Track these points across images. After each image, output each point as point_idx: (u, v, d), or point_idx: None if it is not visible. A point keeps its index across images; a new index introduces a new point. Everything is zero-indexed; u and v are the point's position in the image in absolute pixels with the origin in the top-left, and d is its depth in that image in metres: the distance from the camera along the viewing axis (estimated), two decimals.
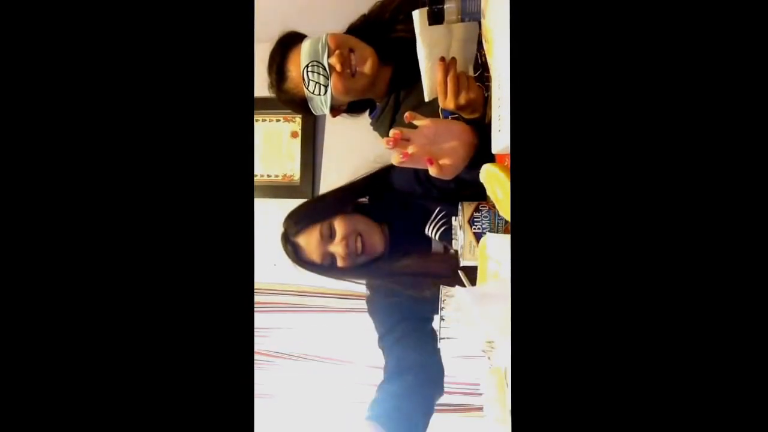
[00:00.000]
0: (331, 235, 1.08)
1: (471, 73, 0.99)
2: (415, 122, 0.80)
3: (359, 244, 1.07)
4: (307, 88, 1.09)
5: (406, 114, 0.81)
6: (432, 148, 0.77)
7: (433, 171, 0.77)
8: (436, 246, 1.10)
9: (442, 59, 0.92)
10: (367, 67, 1.09)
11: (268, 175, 2.02)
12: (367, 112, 1.26)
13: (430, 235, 1.07)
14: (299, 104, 1.14)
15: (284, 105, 1.19)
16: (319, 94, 1.09)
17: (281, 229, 1.12)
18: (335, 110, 1.18)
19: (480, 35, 0.92)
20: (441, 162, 0.76)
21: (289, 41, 1.12)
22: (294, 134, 2.01)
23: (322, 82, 1.08)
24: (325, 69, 1.07)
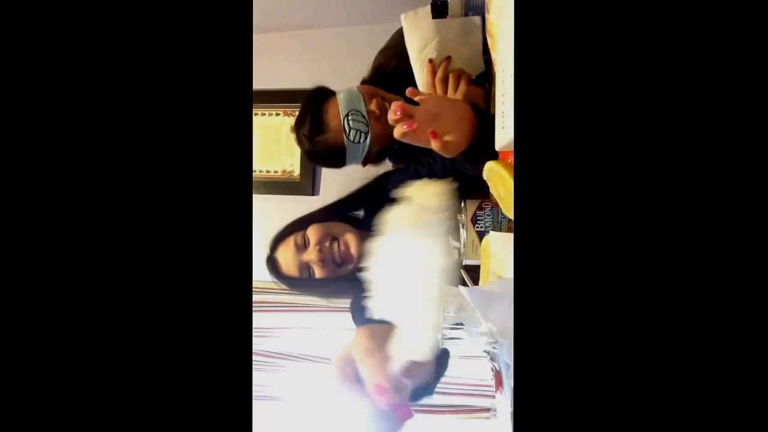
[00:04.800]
0: (305, 244, 1.05)
1: (475, 68, 0.99)
2: (417, 99, 0.79)
3: (335, 249, 1.04)
4: (348, 137, 1.11)
5: (408, 89, 0.81)
6: (435, 123, 0.74)
7: (436, 146, 0.75)
8: None
9: (430, 61, 0.94)
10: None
11: (267, 171, 2.02)
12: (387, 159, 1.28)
13: None
14: (334, 154, 1.15)
15: (313, 157, 1.20)
16: (359, 142, 1.11)
17: (267, 251, 1.09)
18: (366, 159, 1.19)
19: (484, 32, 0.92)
20: (445, 138, 0.74)
21: (321, 95, 1.16)
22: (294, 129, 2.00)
23: (363, 130, 1.10)
24: (364, 117, 1.09)
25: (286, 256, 1.05)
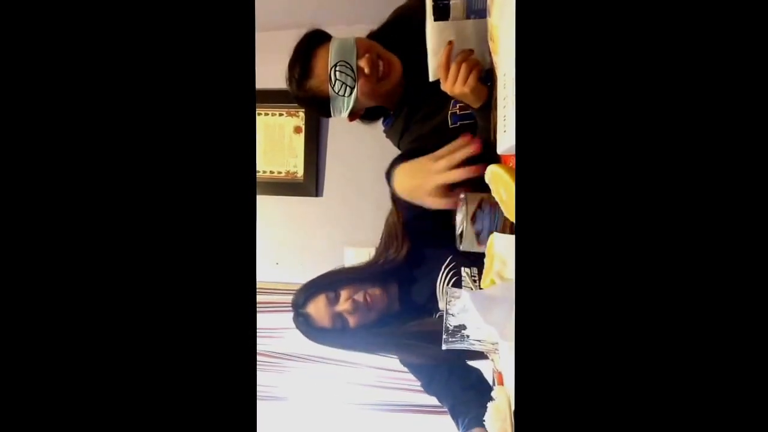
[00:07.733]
0: (336, 298, 1.11)
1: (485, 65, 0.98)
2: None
3: (363, 300, 1.11)
4: (333, 88, 1.08)
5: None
6: None
7: None
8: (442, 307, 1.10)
9: (450, 42, 0.91)
10: (394, 74, 1.10)
11: (271, 172, 2.02)
12: (380, 121, 1.26)
13: (440, 287, 1.07)
14: (318, 104, 1.14)
15: (300, 103, 1.19)
16: (344, 95, 1.09)
17: (292, 312, 1.16)
18: (353, 115, 1.17)
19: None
20: None
21: (317, 39, 1.12)
22: (297, 129, 2.00)
23: (348, 83, 1.08)
24: (353, 70, 1.07)
25: (319, 308, 1.12)
